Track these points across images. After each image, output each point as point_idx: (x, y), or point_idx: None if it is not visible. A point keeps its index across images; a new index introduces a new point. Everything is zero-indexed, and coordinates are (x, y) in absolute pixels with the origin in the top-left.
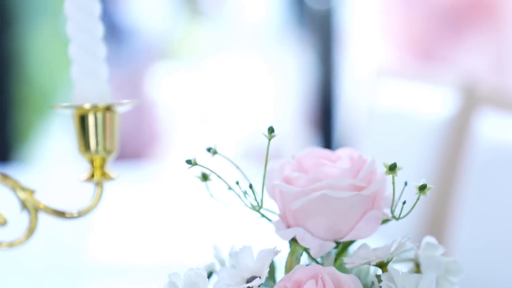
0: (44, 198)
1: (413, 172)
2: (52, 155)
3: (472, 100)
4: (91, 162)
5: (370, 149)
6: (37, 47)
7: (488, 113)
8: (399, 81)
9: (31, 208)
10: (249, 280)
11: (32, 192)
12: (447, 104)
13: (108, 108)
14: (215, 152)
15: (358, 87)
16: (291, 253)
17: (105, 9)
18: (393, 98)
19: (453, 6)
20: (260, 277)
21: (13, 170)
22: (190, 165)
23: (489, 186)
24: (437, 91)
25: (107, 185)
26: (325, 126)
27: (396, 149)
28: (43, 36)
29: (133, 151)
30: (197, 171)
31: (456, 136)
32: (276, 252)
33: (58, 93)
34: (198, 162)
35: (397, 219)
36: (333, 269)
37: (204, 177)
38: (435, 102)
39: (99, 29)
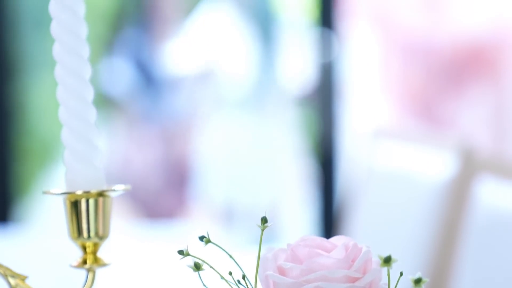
0: (36, 280)
1: (411, 234)
2: (52, 211)
3: (471, 165)
4: (83, 248)
5: (368, 209)
6: (38, 99)
7: (487, 179)
8: (398, 141)
9: None
10: None
11: (23, 278)
12: (446, 166)
13: (100, 194)
14: (208, 241)
15: (358, 144)
16: None
17: (143, 60)
18: (392, 158)
19: (452, 61)
20: None
21: (11, 230)
22: (182, 256)
23: (489, 252)
24: (436, 153)
25: (140, 243)
26: (325, 182)
27: (395, 210)
28: (44, 87)
29: (166, 210)
30: (190, 260)
31: (455, 199)
32: None
33: (59, 146)
34: (190, 252)
35: None
36: None
37: (197, 267)
38: (434, 164)
39: (92, 113)
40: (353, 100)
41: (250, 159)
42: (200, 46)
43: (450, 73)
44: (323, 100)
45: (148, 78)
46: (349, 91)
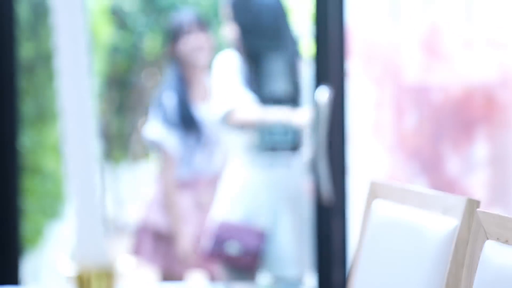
0: None
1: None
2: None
3: (473, 223)
4: None
5: (368, 259)
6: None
7: (491, 242)
8: (396, 197)
9: None
10: None
11: None
12: (449, 221)
13: (107, 272)
14: None
15: (357, 196)
16: None
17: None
18: (391, 210)
19: (457, 118)
20: None
21: None
22: None
23: None
24: (438, 210)
25: None
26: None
27: (396, 262)
28: (50, 144)
29: None
30: None
31: (458, 255)
32: None
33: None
34: None
35: None
36: None
37: None
38: (436, 219)
39: (99, 211)
40: (353, 152)
41: None
42: None
43: (453, 128)
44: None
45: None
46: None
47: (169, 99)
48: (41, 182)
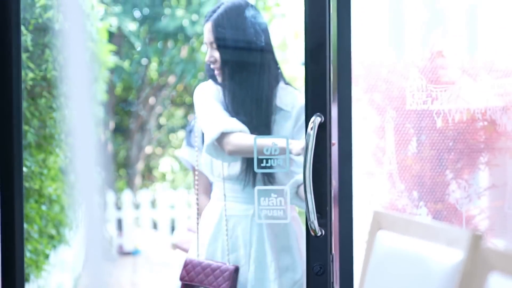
0: None
1: None
2: None
3: (477, 256)
4: None
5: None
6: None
7: (496, 276)
8: (401, 225)
9: None
10: None
11: None
12: (453, 254)
13: None
14: None
15: (360, 228)
16: None
17: None
18: (395, 241)
19: (459, 144)
20: None
21: None
22: None
23: None
24: (442, 242)
25: None
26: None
27: None
28: (54, 169)
29: None
30: None
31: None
32: None
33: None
34: None
35: None
36: None
37: None
38: (440, 251)
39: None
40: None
41: None
42: None
43: (455, 160)
44: None
45: None
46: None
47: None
48: (45, 206)
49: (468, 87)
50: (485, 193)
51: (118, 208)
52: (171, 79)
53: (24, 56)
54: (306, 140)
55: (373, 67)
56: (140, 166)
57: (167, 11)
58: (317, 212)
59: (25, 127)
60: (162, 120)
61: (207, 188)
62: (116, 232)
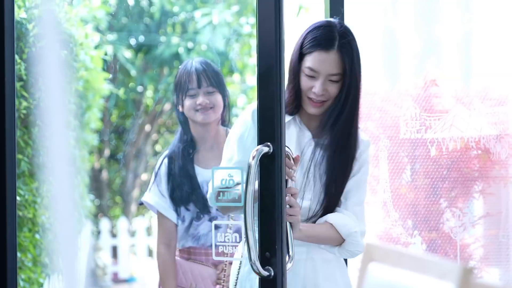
0: None
1: None
2: None
3: None
4: None
5: None
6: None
7: None
8: (393, 258)
9: None
10: None
11: None
12: (444, 286)
13: None
14: None
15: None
16: None
17: None
18: (387, 273)
19: (453, 173)
20: None
21: None
22: None
23: None
24: (433, 275)
25: None
26: None
27: None
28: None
29: None
30: None
31: None
32: None
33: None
34: None
35: None
36: None
37: None
38: (432, 284)
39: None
40: None
41: None
42: None
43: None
44: None
45: None
46: None
47: (168, 163)
48: (39, 235)
49: (462, 116)
50: (479, 222)
51: (113, 235)
52: (167, 106)
53: (18, 85)
54: (247, 171)
55: (367, 96)
56: (135, 193)
57: (162, 38)
58: (266, 251)
59: (18, 156)
60: (158, 147)
61: (171, 236)
62: (111, 259)
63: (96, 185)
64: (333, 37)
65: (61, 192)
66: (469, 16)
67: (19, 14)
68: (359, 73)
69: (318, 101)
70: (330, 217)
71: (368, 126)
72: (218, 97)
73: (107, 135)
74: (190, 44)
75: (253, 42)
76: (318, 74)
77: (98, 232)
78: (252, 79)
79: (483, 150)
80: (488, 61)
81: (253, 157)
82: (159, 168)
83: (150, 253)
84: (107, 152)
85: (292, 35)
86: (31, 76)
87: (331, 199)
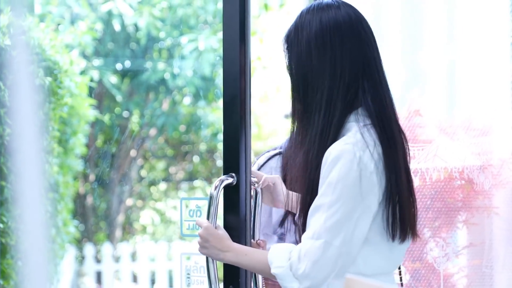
0: None
1: None
2: None
3: None
4: None
5: None
6: None
7: None
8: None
9: None
10: None
11: None
12: None
13: None
14: None
15: None
16: None
17: None
18: None
19: (437, 203)
20: None
21: None
22: None
23: None
24: None
25: None
26: None
27: None
28: None
29: None
30: None
31: None
32: None
33: None
34: None
35: None
36: None
37: None
38: None
39: None
40: None
41: None
42: None
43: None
44: None
45: None
46: None
47: None
48: (21, 262)
49: (446, 146)
50: (463, 252)
51: (98, 261)
52: (152, 131)
53: (1, 111)
54: (208, 202)
55: None
56: (120, 218)
57: (148, 64)
58: (230, 284)
59: (1, 183)
60: (143, 173)
61: None
62: (95, 285)
63: (81, 210)
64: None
65: (40, 219)
66: (453, 46)
67: (4, 40)
68: (300, 64)
69: None
70: (272, 247)
71: None
72: None
73: (92, 161)
74: (176, 70)
75: None
76: None
77: (82, 258)
78: None
79: (467, 180)
80: (472, 91)
81: (215, 188)
82: None
83: (134, 278)
84: (92, 177)
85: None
86: (14, 103)
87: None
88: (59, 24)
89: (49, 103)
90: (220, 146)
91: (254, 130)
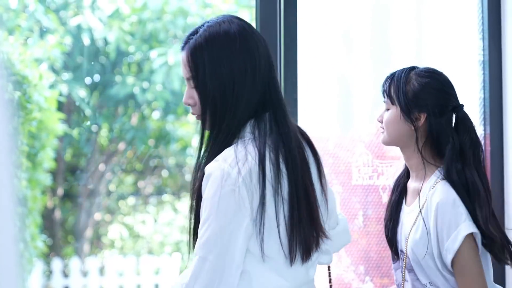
0: None
1: None
2: None
3: None
4: None
5: None
6: None
7: None
8: None
9: None
10: None
11: None
12: None
13: None
14: None
15: None
16: None
17: None
18: None
19: None
20: None
21: None
22: None
23: None
24: None
25: None
26: None
27: None
28: None
29: None
30: None
31: None
32: None
33: None
34: None
35: None
36: None
37: None
38: None
39: None
40: None
41: None
42: None
43: None
44: None
45: None
46: None
47: None
48: None
49: None
50: None
51: (65, 275)
52: (121, 146)
53: None
54: None
55: (320, 141)
56: (88, 233)
57: (118, 78)
58: None
59: None
60: (112, 187)
61: None
62: None
63: (49, 224)
64: (190, 33)
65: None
66: (421, 64)
67: None
68: (211, 75)
69: (193, 113)
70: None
71: None
72: None
73: (60, 175)
74: (145, 84)
75: None
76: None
77: (50, 272)
78: None
79: None
80: None
81: None
82: None
83: None
84: (60, 192)
85: None
86: None
87: None
88: (27, 38)
89: (17, 117)
90: (189, 160)
91: None
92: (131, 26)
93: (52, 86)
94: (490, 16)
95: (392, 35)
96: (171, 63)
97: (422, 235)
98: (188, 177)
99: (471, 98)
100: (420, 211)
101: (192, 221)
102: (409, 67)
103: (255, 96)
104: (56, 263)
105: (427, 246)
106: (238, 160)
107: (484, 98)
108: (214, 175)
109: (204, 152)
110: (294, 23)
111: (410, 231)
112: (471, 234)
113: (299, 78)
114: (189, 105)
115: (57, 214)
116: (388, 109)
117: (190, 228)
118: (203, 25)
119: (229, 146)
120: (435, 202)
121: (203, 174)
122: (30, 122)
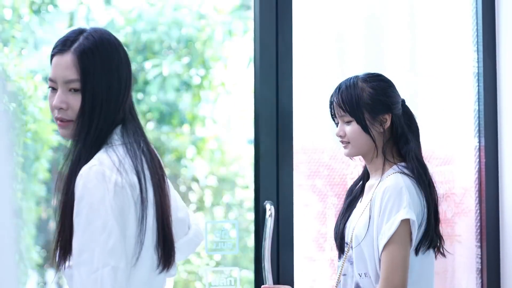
0: None
1: None
2: None
3: None
4: None
5: None
6: None
7: None
8: None
9: None
10: None
11: None
12: None
13: None
14: None
15: None
16: None
17: None
18: None
19: None
20: None
21: None
22: None
23: None
24: None
25: None
26: None
27: None
28: None
29: None
30: None
31: None
32: None
33: None
34: None
35: None
36: None
37: None
38: None
39: None
40: None
41: None
42: None
43: None
44: None
45: None
46: None
47: None
48: None
49: None
50: None
51: (60, 287)
52: None
53: None
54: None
55: (315, 153)
56: None
57: None
58: None
59: None
60: None
61: None
62: None
63: (43, 235)
64: (69, 37)
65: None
66: (417, 79)
67: None
68: (100, 80)
69: (61, 118)
70: None
71: (316, 184)
72: None
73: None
74: (140, 95)
75: (203, 94)
76: (57, 84)
77: (44, 284)
78: (201, 130)
79: None
80: (434, 121)
81: (269, 215)
82: None
83: None
84: (54, 203)
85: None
86: None
87: None
88: (22, 49)
89: (12, 129)
90: (184, 171)
91: (217, 155)
92: (125, 37)
93: (46, 97)
94: (484, 28)
95: (386, 47)
96: (165, 74)
97: (366, 220)
98: (183, 188)
99: (466, 110)
100: (370, 200)
101: (63, 231)
102: (351, 78)
103: (126, 103)
104: (51, 274)
105: (368, 227)
106: (114, 162)
107: (478, 110)
108: (94, 178)
109: (73, 156)
110: (290, 34)
111: (358, 221)
112: (408, 220)
113: (294, 90)
114: (60, 108)
115: (52, 225)
116: (347, 122)
117: (58, 241)
118: (83, 31)
119: (98, 150)
120: (384, 187)
121: (72, 178)
122: (25, 133)
